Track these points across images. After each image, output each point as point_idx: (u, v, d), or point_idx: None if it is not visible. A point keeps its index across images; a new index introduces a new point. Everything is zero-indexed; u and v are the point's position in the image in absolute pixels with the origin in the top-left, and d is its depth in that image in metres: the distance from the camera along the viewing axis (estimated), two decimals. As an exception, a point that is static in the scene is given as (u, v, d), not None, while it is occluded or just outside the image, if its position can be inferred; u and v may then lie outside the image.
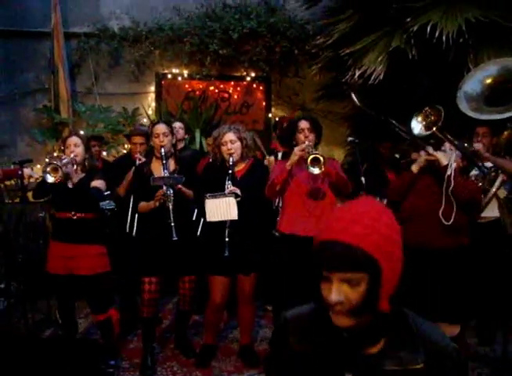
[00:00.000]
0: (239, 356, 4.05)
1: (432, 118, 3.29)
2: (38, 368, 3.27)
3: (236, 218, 3.51)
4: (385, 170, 4.95)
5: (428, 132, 3.26)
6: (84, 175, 3.78)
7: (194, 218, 4.28)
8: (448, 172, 3.21)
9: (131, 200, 4.26)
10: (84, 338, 4.39)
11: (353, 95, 3.64)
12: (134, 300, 4.67)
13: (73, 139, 3.78)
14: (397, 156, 4.92)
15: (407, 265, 3.29)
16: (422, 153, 3.43)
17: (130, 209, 4.34)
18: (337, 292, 1.24)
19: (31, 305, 4.59)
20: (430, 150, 3.31)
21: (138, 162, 4.34)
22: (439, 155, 3.25)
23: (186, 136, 5.44)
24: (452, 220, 3.17)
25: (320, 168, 3.44)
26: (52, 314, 4.76)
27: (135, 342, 4.38)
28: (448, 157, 3.26)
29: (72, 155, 3.68)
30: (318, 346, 1.36)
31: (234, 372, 3.88)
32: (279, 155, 5.18)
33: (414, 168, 3.46)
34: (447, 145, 3.38)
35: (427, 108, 3.37)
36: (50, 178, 3.48)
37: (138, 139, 4.72)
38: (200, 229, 4.31)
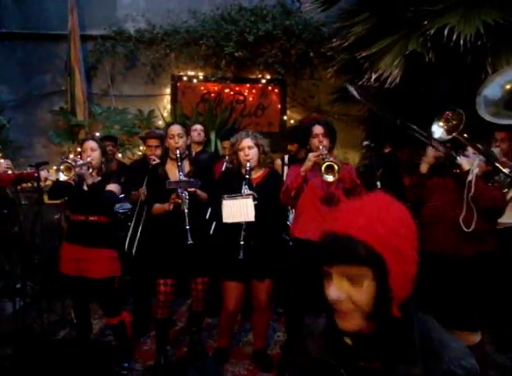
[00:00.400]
0: (252, 360, 4.05)
1: (454, 122, 3.21)
2: (53, 368, 3.29)
3: (253, 219, 3.49)
4: (402, 175, 4.87)
5: (449, 137, 3.17)
6: (100, 178, 3.81)
7: (207, 218, 4.28)
8: (469, 178, 3.12)
9: (134, 219, 4.26)
10: (98, 340, 4.40)
11: (349, 87, 3.56)
12: (148, 302, 4.69)
13: (90, 144, 3.82)
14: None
15: (426, 271, 3.23)
16: (429, 151, 3.37)
17: (131, 228, 4.34)
18: (337, 288, 1.17)
19: (46, 306, 4.62)
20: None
21: (153, 163, 4.36)
22: (461, 160, 3.17)
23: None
24: (472, 227, 3.09)
25: (334, 176, 3.42)
26: (66, 315, 4.79)
27: (148, 344, 4.38)
28: (470, 163, 3.17)
29: (89, 159, 3.72)
30: (328, 353, 1.31)
31: (247, 376, 3.89)
32: (286, 158, 5.18)
33: (423, 167, 3.42)
34: (470, 149, 3.30)
35: (448, 112, 3.29)
36: (62, 177, 3.52)
37: (153, 142, 4.73)
38: (212, 228, 4.33)
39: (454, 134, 3.11)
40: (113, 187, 3.78)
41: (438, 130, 3.21)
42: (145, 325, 4.56)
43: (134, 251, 4.35)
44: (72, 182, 3.64)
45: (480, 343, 3.16)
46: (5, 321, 4.58)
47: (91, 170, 3.75)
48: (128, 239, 4.39)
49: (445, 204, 3.26)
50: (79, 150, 6.07)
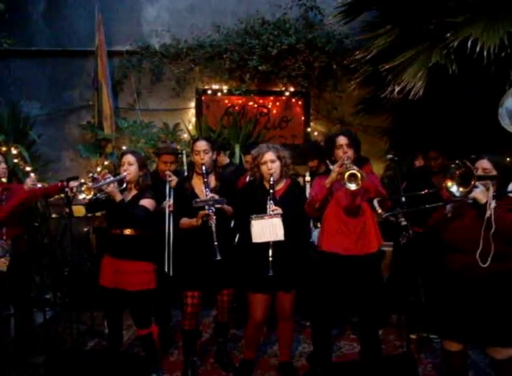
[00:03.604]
0: (278, 371, 4.07)
1: (460, 171, 3.02)
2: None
3: (282, 238, 3.52)
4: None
5: (469, 187, 2.88)
6: (136, 192, 3.88)
7: (231, 226, 4.27)
8: (488, 214, 2.92)
9: (166, 238, 4.28)
10: (127, 351, 4.47)
11: None
12: (169, 313, 4.81)
13: (128, 157, 3.88)
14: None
15: (456, 291, 3.11)
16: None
17: (166, 249, 4.31)
18: None
19: (76, 317, 4.70)
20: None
21: (168, 180, 4.38)
22: (476, 194, 2.96)
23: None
24: (488, 263, 2.93)
25: (357, 184, 3.36)
26: (95, 326, 4.88)
27: (175, 355, 4.45)
28: (486, 194, 2.97)
29: (125, 173, 3.79)
30: None
31: (273, 387, 3.91)
32: (307, 176, 5.20)
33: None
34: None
35: (451, 166, 3.10)
36: (81, 196, 3.61)
37: (168, 158, 4.65)
38: (237, 237, 4.34)
39: (472, 182, 2.93)
40: (145, 202, 3.81)
41: (454, 188, 3.02)
42: (167, 336, 4.64)
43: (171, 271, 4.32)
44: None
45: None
46: (35, 331, 4.68)
47: (124, 185, 3.81)
48: (166, 258, 4.33)
49: (468, 232, 3.10)
50: (106, 163, 6.26)
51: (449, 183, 3.00)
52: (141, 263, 3.81)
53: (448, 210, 3.20)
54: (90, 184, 3.66)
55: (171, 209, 4.28)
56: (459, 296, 3.15)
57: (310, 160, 5.19)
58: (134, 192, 3.88)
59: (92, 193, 3.63)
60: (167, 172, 4.47)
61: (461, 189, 2.95)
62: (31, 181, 4.40)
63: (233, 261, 3.91)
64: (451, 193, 2.98)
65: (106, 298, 3.91)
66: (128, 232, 3.79)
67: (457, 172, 2.96)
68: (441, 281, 3.31)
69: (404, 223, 4.02)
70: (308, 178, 5.12)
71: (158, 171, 4.77)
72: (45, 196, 4.61)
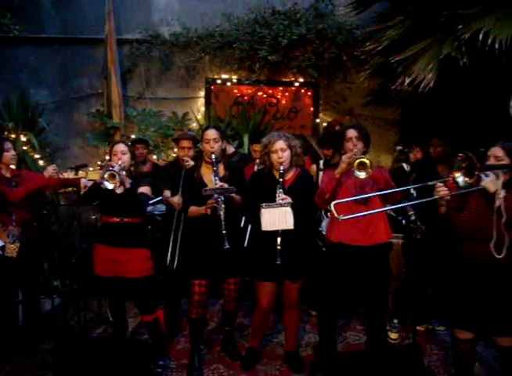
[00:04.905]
0: (284, 361, 4.09)
1: (465, 164, 3.06)
2: (91, 364, 3.39)
3: (292, 227, 3.52)
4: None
5: (473, 178, 2.95)
6: (130, 181, 3.88)
7: (242, 226, 4.34)
8: (497, 203, 2.95)
9: (172, 235, 4.33)
10: (133, 338, 4.50)
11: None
12: (178, 301, 4.81)
13: (121, 147, 3.89)
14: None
15: (469, 279, 3.11)
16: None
17: (170, 244, 4.38)
18: None
19: (83, 304, 4.74)
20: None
21: (185, 165, 4.43)
22: (485, 183, 2.98)
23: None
24: (503, 254, 2.95)
25: (367, 173, 3.38)
26: (102, 313, 4.92)
27: (182, 343, 4.48)
28: (495, 183, 2.98)
29: (120, 162, 3.76)
30: None
31: (279, 376, 3.94)
32: (321, 163, 5.20)
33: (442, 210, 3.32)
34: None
35: (456, 161, 3.15)
36: (109, 185, 3.56)
37: (186, 144, 4.77)
38: (247, 237, 4.38)
39: (476, 172, 2.99)
40: (144, 189, 3.86)
41: (460, 179, 3.07)
42: (175, 323, 4.67)
43: (175, 265, 4.40)
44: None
45: None
46: (43, 317, 4.71)
47: (124, 173, 3.81)
48: (169, 253, 4.43)
49: (479, 221, 3.13)
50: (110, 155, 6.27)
51: (457, 174, 3.05)
52: (141, 250, 3.85)
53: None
54: (115, 168, 3.60)
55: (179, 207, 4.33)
56: (471, 284, 3.17)
57: (325, 149, 5.21)
58: (128, 181, 3.85)
59: (117, 179, 3.57)
60: (185, 158, 4.55)
61: (466, 179, 3.00)
62: (53, 169, 4.41)
63: (241, 251, 3.94)
64: (457, 183, 3.03)
65: (107, 288, 3.95)
66: (128, 220, 3.81)
67: (463, 165, 3.00)
68: (455, 271, 3.33)
69: (413, 217, 4.04)
70: (321, 166, 5.12)
71: (179, 158, 4.88)
72: (63, 186, 4.63)
